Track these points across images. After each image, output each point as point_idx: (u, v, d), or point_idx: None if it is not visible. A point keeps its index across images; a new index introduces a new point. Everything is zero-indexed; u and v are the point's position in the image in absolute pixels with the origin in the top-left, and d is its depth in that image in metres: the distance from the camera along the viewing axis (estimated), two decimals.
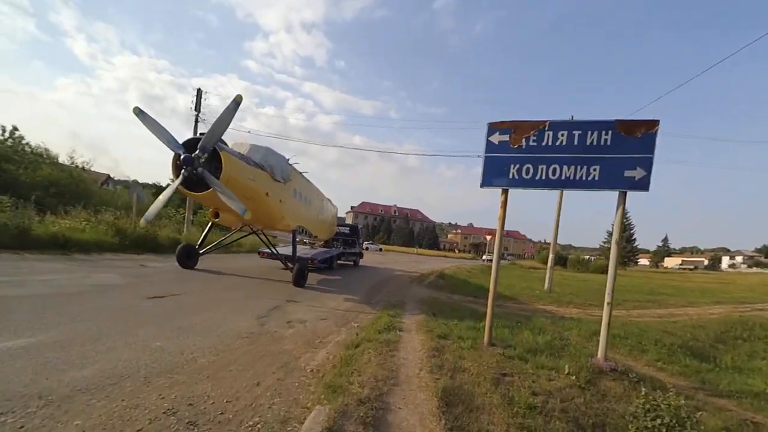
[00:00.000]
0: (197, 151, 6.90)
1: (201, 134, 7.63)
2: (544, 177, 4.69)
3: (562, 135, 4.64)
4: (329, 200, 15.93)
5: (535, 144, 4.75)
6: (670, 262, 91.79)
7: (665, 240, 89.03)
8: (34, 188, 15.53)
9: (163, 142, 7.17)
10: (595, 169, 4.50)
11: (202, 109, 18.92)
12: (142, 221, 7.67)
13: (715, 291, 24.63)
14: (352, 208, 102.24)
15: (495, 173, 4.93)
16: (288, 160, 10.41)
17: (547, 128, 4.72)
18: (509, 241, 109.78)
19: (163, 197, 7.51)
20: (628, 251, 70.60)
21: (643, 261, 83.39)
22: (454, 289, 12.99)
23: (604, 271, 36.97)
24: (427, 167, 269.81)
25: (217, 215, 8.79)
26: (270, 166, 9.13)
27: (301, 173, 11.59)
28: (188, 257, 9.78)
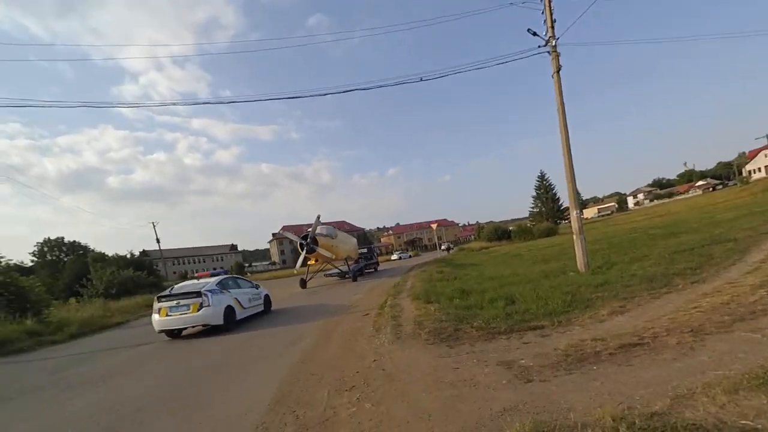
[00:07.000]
0: (309, 240, 18.39)
1: (308, 230, 19.03)
2: None
3: None
4: (350, 235, 28.31)
5: None
6: (589, 213, 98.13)
7: (578, 193, 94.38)
8: None
9: (297, 241, 19.25)
10: None
11: None
12: (294, 271, 23.43)
13: (711, 217, 21.41)
14: (274, 236, 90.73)
15: None
16: (333, 226, 22.34)
17: None
18: (442, 230, 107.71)
19: (300, 259, 18.82)
20: (557, 210, 72.90)
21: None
22: None
23: (549, 233, 33.86)
24: (341, 180, 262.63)
25: (315, 260, 20.30)
26: (330, 233, 20.21)
27: (337, 229, 22.97)
28: (303, 284, 19.98)
